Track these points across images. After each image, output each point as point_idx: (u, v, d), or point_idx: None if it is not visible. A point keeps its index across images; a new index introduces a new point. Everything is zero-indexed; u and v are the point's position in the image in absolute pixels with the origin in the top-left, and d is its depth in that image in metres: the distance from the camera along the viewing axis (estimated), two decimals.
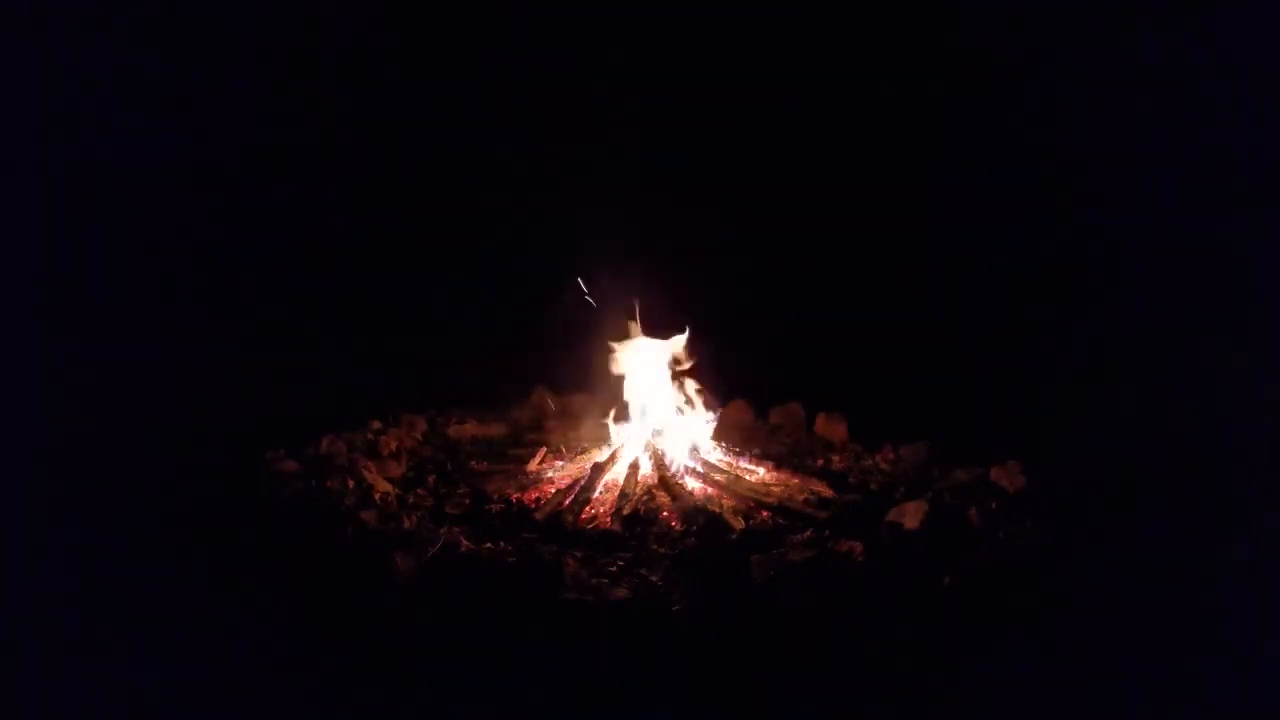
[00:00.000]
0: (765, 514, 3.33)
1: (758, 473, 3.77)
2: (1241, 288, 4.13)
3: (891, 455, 3.87)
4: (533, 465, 3.77)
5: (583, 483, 3.53)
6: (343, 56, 4.59)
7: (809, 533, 3.09)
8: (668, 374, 4.00)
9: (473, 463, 3.90)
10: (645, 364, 3.98)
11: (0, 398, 3.76)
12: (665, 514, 3.32)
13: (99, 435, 3.61)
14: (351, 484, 3.41)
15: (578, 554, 2.97)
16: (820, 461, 3.89)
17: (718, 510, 3.29)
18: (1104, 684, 2.42)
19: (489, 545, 3.03)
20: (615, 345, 3.96)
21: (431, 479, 3.67)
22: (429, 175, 4.82)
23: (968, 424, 3.84)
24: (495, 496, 3.48)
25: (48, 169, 4.20)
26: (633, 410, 3.97)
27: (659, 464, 3.66)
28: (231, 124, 4.53)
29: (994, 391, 4.14)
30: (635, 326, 3.97)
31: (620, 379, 3.98)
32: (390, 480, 3.57)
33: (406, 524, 3.14)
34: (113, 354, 4.11)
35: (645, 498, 3.42)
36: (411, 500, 3.43)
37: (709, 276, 4.63)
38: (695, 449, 3.83)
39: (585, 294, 4.05)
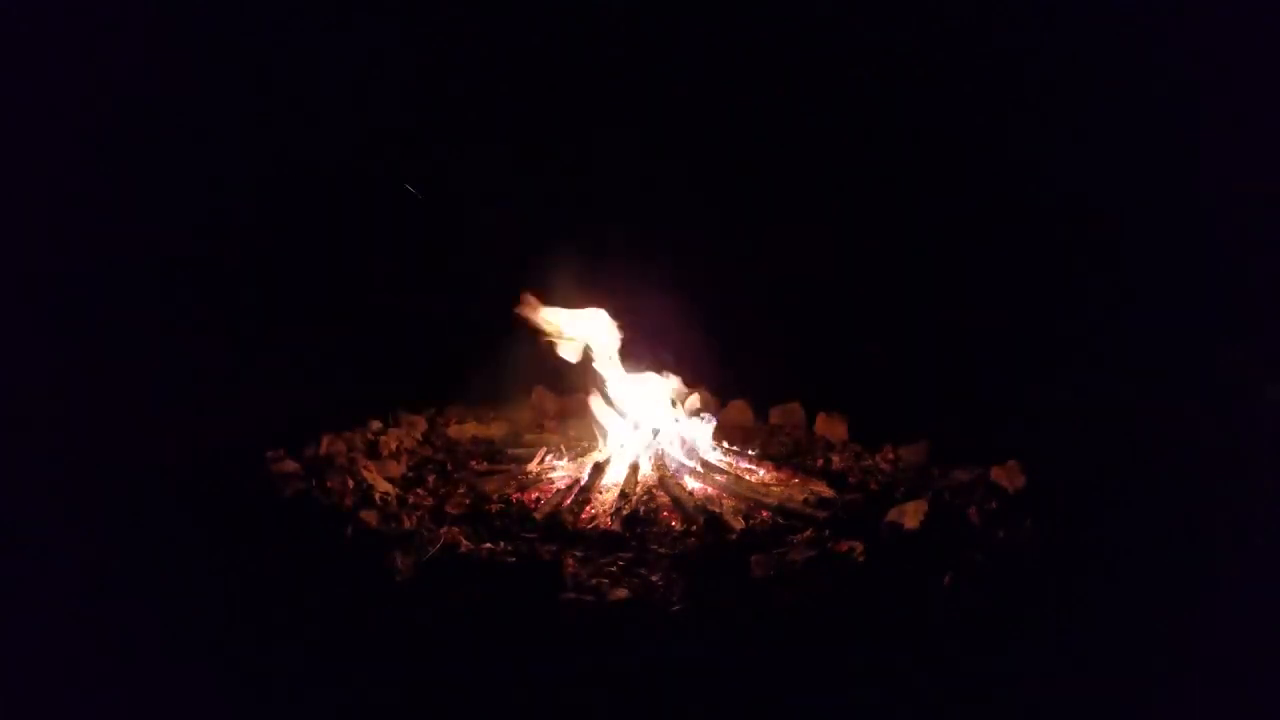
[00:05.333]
0: (765, 514, 3.33)
1: (758, 473, 3.77)
2: (1244, 288, 4.13)
3: (891, 455, 3.87)
4: (533, 465, 3.77)
5: (583, 483, 3.53)
6: (343, 63, 4.59)
7: (809, 533, 3.09)
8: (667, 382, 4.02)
9: (473, 463, 3.90)
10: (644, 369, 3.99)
11: (1, 400, 3.77)
12: (665, 514, 3.33)
13: (99, 436, 3.61)
14: (351, 484, 3.41)
15: (578, 554, 2.97)
16: (820, 461, 3.88)
17: (718, 510, 3.29)
18: (1104, 683, 2.42)
19: (489, 545, 3.03)
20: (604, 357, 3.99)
21: (431, 479, 3.67)
22: (429, 176, 4.82)
23: (968, 424, 3.84)
24: (495, 496, 3.48)
25: (52, 173, 4.20)
26: (633, 411, 3.96)
27: (659, 464, 3.66)
28: (231, 128, 4.53)
29: (994, 391, 4.14)
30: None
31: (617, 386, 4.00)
32: (390, 480, 3.57)
33: (406, 524, 3.14)
34: (113, 355, 4.11)
35: (645, 498, 3.42)
36: (411, 500, 3.43)
37: (710, 277, 4.63)
38: (695, 449, 3.83)
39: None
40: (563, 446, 3.96)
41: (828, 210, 4.81)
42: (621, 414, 3.96)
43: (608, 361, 3.99)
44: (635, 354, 4.05)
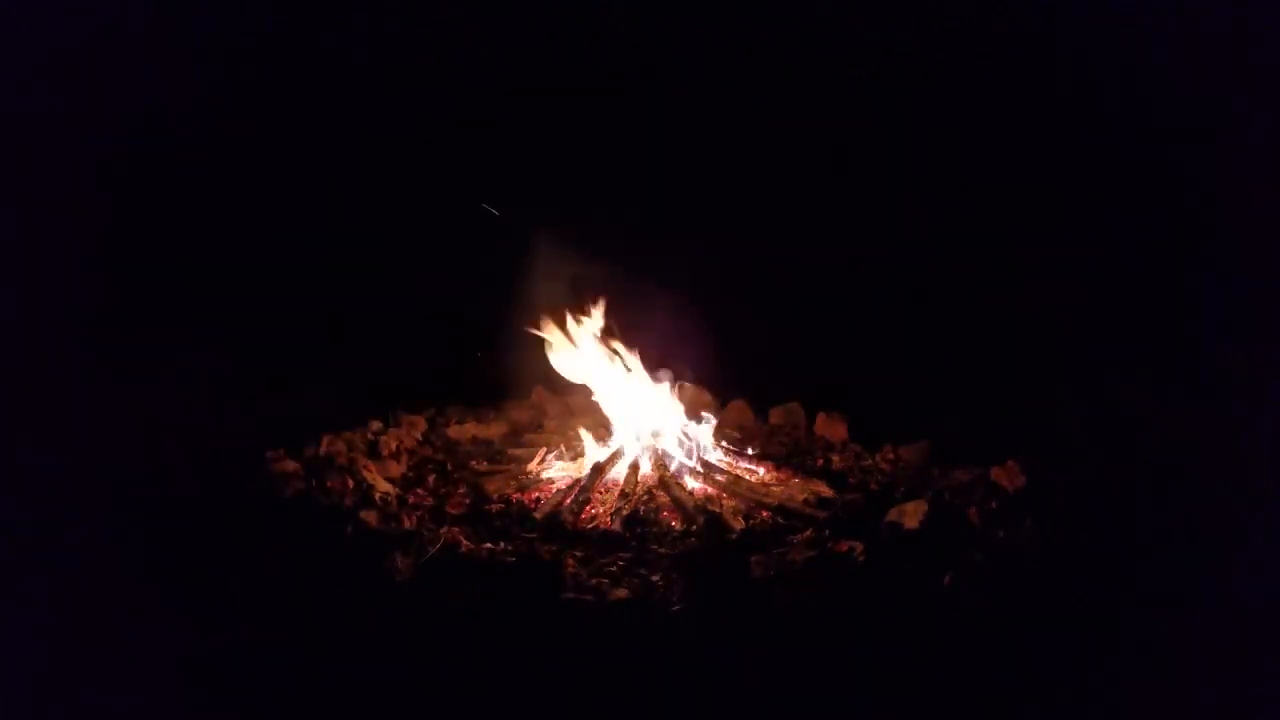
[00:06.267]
0: (765, 514, 3.33)
1: (758, 473, 3.77)
2: (1246, 287, 4.12)
3: (891, 455, 3.87)
4: (533, 465, 3.77)
5: (583, 483, 3.53)
6: (336, 61, 4.58)
7: (809, 533, 3.09)
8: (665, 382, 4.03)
9: (473, 463, 3.90)
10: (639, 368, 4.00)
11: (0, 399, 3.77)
12: (665, 514, 3.33)
13: (98, 437, 3.61)
14: (351, 484, 3.41)
15: (578, 554, 2.98)
16: (820, 461, 3.88)
17: (718, 510, 3.29)
18: (1104, 683, 2.42)
19: (489, 545, 3.03)
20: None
21: (431, 479, 3.67)
22: (427, 175, 4.81)
23: (968, 424, 3.84)
24: (495, 496, 3.48)
25: (52, 171, 4.20)
26: (632, 411, 3.96)
27: (659, 464, 3.66)
28: (229, 128, 4.53)
29: (994, 391, 4.14)
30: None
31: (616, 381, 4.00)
32: (390, 480, 3.58)
33: (406, 524, 3.15)
34: (110, 354, 4.11)
35: (645, 498, 3.42)
36: (411, 500, 3.44)
37: (709, 276, 4.63)
38: (695, 449, 3.83)
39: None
40: (563, 446, 3.96)
41: (829, 210, 4.81)
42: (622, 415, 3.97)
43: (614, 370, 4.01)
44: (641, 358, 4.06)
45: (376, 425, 4.09)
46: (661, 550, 3.03)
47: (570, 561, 2.89)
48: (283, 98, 4.57)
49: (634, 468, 3.63)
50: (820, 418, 4.22)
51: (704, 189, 4.79)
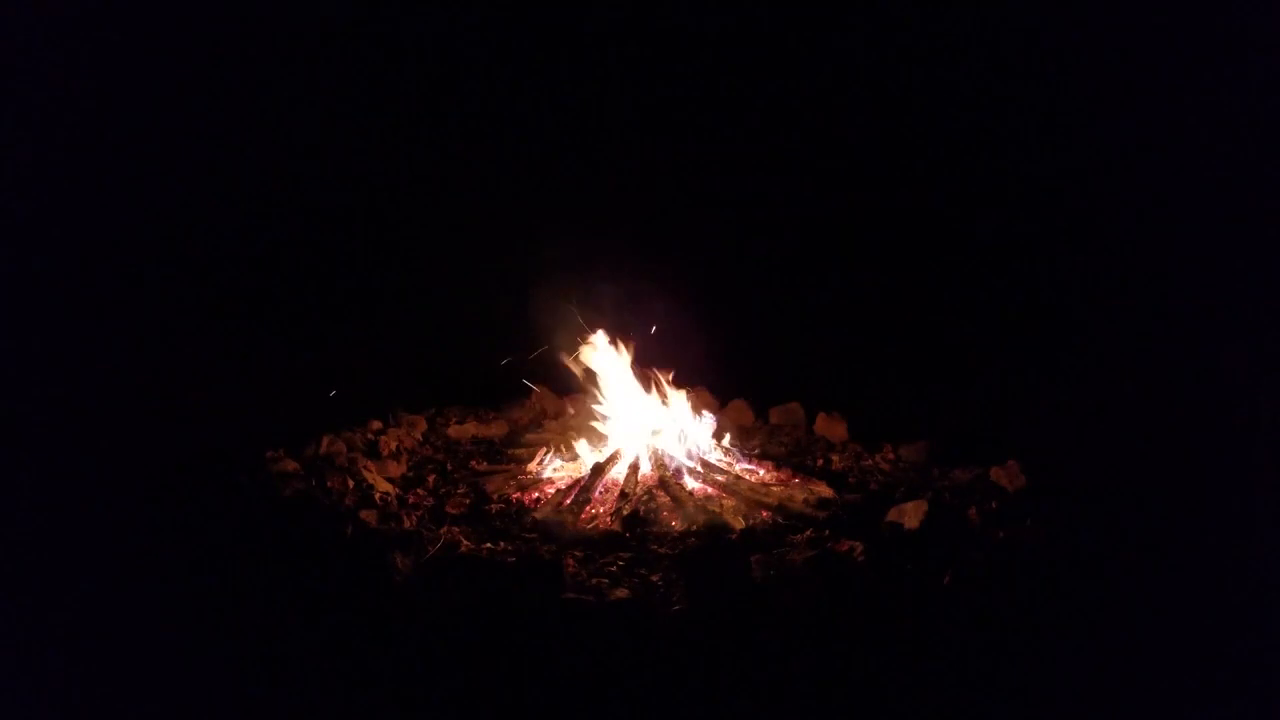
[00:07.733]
0: (765, 514, 3.33)
1: (758, 473, 3.77)
2: (1244, 287, 4.12)
3: (891, 455, 3.87)
4: (533, 465, 3.77)
5: (583, 483, 3.53)
6: (342, 59, 4.59)
7: (809, 533, 3.09)
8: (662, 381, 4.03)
9: (473, 463, 3.90)
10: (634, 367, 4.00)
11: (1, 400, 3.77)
12: (665, 514, 3.33)
13: (97, 436, 3.61)
14: (351, 484, 3.41)
15: (578, 554, 2.98)
16: (820, 461, 3.89)
17: (718, 510, 3.29)
18: (1103, 683, 2.42)
19: (489, 545, 3.03)
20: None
21: (431, 479, 3.67)
22: (427, 173, 4.82)
23: (968, 424, 3.84)
24: (495, 496, 3.48)
25: (54, 168, 4.20)
26: (632, 411, 3.96)
27: (659, 464, 3.66)
28: (231, 125, 4.53)
29: (994, 391, 4.14)
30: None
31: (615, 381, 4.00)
32: (390, 480, 3.58)
33: (406, 524, 3.15)
34: (111, 353, 4.11)
35: (645, 498, 3.42)
36: (411, 500, 3.44)
37: (709, 276, 4.63)
38: (695, 449, 3.83)
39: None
40: (563, 446, 3.96)
41: (829, 210, 4.81)
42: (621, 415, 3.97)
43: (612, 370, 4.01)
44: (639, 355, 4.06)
45: (376, 425, 4.09)
46: (661, 550, 3.03)
47: (570, 561, 2.89)
48: (286, 96, 4.58)
49: (634, 468, 3.63)
50: (820, 418, 4.22)
51: (705, 188, 4.80)
